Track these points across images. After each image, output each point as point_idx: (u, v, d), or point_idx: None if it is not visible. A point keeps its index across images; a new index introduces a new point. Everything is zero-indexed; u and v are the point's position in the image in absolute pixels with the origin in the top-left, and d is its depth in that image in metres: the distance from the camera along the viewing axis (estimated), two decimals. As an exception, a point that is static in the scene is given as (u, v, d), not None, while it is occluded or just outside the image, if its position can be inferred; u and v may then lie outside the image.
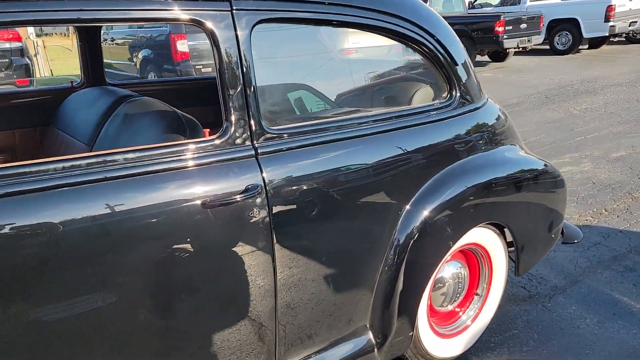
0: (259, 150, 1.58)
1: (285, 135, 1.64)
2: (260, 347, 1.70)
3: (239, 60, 1.53)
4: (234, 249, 1.54)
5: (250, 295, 1.63)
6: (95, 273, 1.34)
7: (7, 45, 6.31)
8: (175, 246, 1.44)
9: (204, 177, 1.48)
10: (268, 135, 1.60)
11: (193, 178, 1.46)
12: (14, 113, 2.51)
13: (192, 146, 1.48)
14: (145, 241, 1.39)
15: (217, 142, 1.52)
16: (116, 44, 9.55)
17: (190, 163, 1.47)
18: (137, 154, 1.40)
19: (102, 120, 2.06)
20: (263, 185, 1.56)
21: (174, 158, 1.45)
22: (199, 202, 1.45)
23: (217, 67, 1.51)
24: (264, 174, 1.57)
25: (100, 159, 1.35)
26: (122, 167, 1.37)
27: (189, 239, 1.46)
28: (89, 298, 1.34)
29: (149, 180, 1.40)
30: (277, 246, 1.62)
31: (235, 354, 1.65)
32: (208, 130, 1.56)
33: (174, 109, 1.84)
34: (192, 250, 1.47)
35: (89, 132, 2.09)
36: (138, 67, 8.31)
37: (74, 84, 2.64)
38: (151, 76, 7.88)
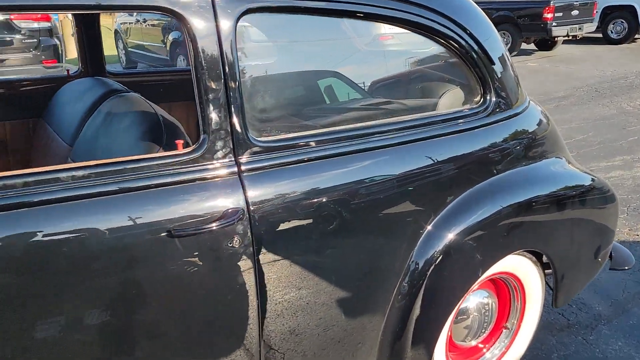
0: (242, 167, 1.31)
1: (276, 148, 1.37)
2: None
3: (219, 59, 1.26)
4: (208, 286, 1.29)
5: (231, 335, 1.39)
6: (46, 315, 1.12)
7: (35, 25, 6.23)
8: (135, 284, 1.20)
9: (172, 199, 1.23)
10: (255, 149, 1.33)
11: (158, 200, 1.21)
12: (7, 103, 2.33)
13: (160, 161, 1.23)
14: (96, 278, 1.16)
15: (192, 156, 1.26)
16: (151, 25, 9.41)
17: (157, 181, 1.22)
18: (89, 171, 1.15)
19: (85, 117, 1.84)
20: (246, 209, 1.30)
21: (138, 175, 1.20)
22: (164, 230, 1.20)
23: (193, 67, 1.25)
24: (248, 195, 1.31)
25: (40, 178, 1.11)
26: (67, 188, 1.13)
27: (152, 276, 1.21)
28: (39, 332, 1.13)
29: (102, 204, 1.16)
30: (261, 281, 1.36)
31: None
32: (181, 141, 1.31)
33: (157, 110, 1.59)
34: (158, 288, 1.23)
35: (72, 130, 1.88)
36: (168, 49, 8.16)
37: (70, 72, 2.43)
38: (180, 60, 7.71)
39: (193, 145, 1.28)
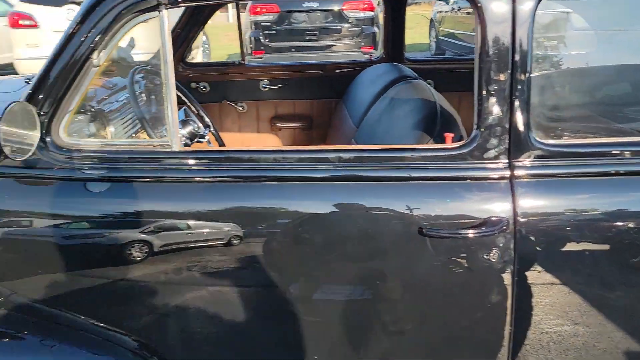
0: (516, 171, 1.13)
1: (569, 154, 1.14)
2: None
3: (510, 47, 1.10)
4: (454, 296, 1.18)
5: (476, 354, 1.25)
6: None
7: (361, 14, 6.92)
8: (378, 273, 1.18)
9: (430, 195, 1.15)
10: (537, 152, 1.13)
11: (416, 193, 1.15)
12: (319, 83, 2.62)
13: (426, 153, 1.16)
14: (344, 259, 1.18)
15: (459, 152, 1.15)
16: (466, 13, 9.35)
17: (419, 174, 1.15)
18: (353, 155, 1.17)
19: (372, 101, 1.91)
20: (512, 220, 1.12)
21: (401, 165, 1.16)
22: (415, 225, 1.13)
23: (477, 54, 1.12)
24: (518, 205, 1.12)
25: (308, 155, 1.18)
26: (334, 169, 1.17)
27: (397, 270, 1.17)
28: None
29: (361, 189, 1.16)
30: (520, 304, 1.17)
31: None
32: (451, 135, 1.20)
33: (438, 99, 1.52)
34: (400, 283, 1.18)
35: (360, 112, 1.97)
36: (477, 37, 7.96)
37: (372, 57, 2.57)
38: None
39: (464, 140, 1.17)
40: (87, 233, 1.21)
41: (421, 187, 1.15)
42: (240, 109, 2.56)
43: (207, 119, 1.82)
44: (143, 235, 1.16)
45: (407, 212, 1.13)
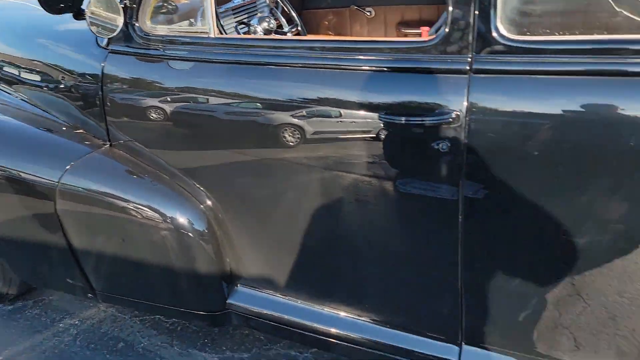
0: (474, 66, 1.13)
1: (532, 50, 1.08)
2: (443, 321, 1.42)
3: None
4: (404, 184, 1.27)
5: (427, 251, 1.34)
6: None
7: None
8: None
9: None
10: (498, 47, 1.10)
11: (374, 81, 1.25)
12: None
13: (400, 45, 1.23)
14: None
15: (427, 44, 1.18)
16: None
17: (390, 65, 1.24)
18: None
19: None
20: (464, 113, 1.14)
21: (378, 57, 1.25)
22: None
23: None
24: (469, 100, 1.13)
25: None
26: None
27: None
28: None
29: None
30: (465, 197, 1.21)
31: (416, 319, 1.46)
32: (427, 28, 1.21)
33: None
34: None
35: None
36: None
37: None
38: None
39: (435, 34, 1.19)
40: (154, 92, 1.56)
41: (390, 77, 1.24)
42: (368, 14, 2.69)
43: (295, 17, 2.04)
44: (189, 106, 1.48)
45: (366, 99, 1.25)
